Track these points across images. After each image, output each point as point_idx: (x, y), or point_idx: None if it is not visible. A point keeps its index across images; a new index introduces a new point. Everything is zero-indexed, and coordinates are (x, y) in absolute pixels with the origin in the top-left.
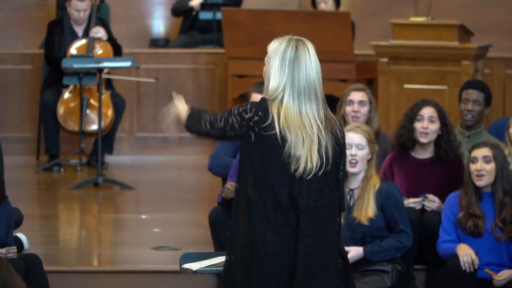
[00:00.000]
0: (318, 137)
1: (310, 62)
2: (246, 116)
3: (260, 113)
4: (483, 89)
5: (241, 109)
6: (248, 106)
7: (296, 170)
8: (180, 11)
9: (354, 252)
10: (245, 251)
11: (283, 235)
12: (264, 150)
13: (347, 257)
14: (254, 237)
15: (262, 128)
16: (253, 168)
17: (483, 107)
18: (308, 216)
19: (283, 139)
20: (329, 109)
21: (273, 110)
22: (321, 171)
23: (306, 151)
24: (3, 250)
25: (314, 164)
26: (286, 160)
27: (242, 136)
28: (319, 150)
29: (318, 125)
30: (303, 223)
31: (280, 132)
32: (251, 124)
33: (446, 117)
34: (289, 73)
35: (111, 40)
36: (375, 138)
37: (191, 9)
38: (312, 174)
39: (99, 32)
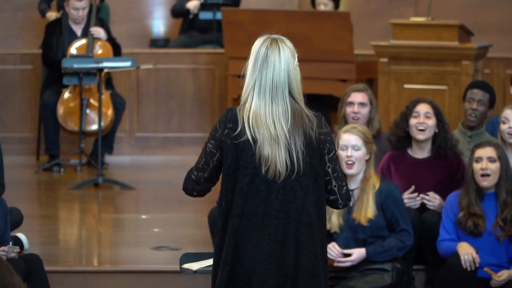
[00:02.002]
0: (286, 137)
1: (279, 62)
2: (217, 134)
3: (229, 124)
4: (488, 90)
5: (212, 132)
6: (216, 124)
7: (267, 172)
8: (178, 12)
9: (357, 254)
10: (218, 257)
11: (252, 240)
12: (235, 157)
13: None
14: (226, 243)
15: (233, 137)
16: (226, 175)
17: (486, 108)
18: (277, 220)
19: (254, 142)
20: (307, 109)
21: (243, 114)
22: (294, 173)
23: (273, 151)
24: (5, 248)
25: (283, 165)
26: (257, 162)
27: (221, 155)
28: (289, 151)
29: (282, 126)
30: (271, 228)
31: (251, 135)
32: (223, 138)
33: (442, 115)
34: (259, 73)
35: (111, 39)
36: (376, 138)
37: (188, 11)
38: (284, 176)
39: (98, 32)
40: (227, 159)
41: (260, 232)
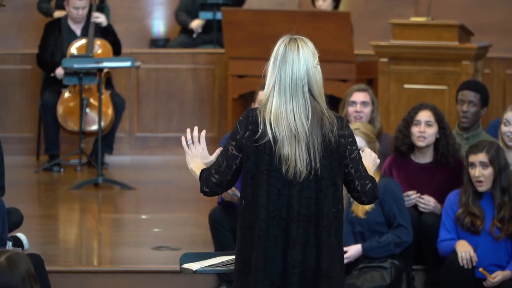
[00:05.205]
0: (306, 135)
1: (298, 59)
2: (238, 136)
3: (250, 126)
4: (478, 89)
5: (232, 133)
6: (237, 126)
7: (287, 171)
8: (181, 24)
9: (352, 251)
10: (241, 260)
11: (276, 244)
12: (257, 160)
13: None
14: (247, 247)
15: (254, 141)
16: (247, 179)
17: (478, 108)
18: (299, 224)
19: (275, 142)
20: (328, 109)
21: (265, 115)
22: (312, 175)
23: (292, 149)
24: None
25: (304, 163)
26: (277, 163)
27: (242, 156)
28: (308, 150)
29: (303, 123)
30: (294, 231)
31: (273, 135)
32: (243, 141)
33: (444, 121)
34: (278, 71)
35: (112, 36)
36: (377, 138)
37: (191, 30)
38: (303, 177)
39: (99, 17)
40: (249, 162)
41: (285, 236)
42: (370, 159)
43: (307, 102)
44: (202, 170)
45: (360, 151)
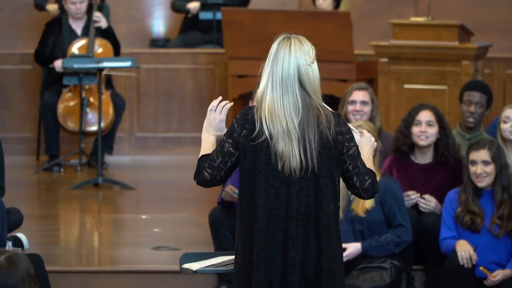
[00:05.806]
0: (297, 132)
1: (289, 56)
2: (235, 134)
3: (247, 125)
4: (485, 91)
5: (229, 131)
6: (234, 124)
7: (283, 168)
8: (178, 9)
9: (352, 248)
10: (241, 260)
11: (275, 243)
12: (254, 159)
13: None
14: (247, 247)
15: (251, 139)
16: (244, 178)
17: (484, 109)
18: (298, 223)
19: (271, 139)
20: (325, 107)
21: (261, 113)
22: (309, 173)
23: (286, 146)
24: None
25: (297, 160)
26: (274, 161)
27: (239, 155)
28: (303, 147)
29: (293, 120)
30: (293, 230)
31: (269, 132)
32: (240, 139)
33: (444, 121)
34: (271, 68)
35: (112, 37)
36: (378, 137)
37: (188, 11)
38: (298, 172)
39: (100, 20)
40: (246, 160)
41: (284, 236)
42: (369, 144)
43: (296, 98)
44: (201, 157)
45: (359, 135)
